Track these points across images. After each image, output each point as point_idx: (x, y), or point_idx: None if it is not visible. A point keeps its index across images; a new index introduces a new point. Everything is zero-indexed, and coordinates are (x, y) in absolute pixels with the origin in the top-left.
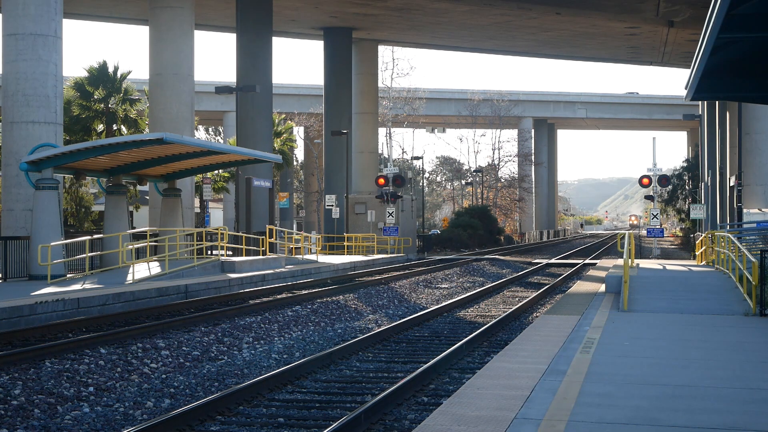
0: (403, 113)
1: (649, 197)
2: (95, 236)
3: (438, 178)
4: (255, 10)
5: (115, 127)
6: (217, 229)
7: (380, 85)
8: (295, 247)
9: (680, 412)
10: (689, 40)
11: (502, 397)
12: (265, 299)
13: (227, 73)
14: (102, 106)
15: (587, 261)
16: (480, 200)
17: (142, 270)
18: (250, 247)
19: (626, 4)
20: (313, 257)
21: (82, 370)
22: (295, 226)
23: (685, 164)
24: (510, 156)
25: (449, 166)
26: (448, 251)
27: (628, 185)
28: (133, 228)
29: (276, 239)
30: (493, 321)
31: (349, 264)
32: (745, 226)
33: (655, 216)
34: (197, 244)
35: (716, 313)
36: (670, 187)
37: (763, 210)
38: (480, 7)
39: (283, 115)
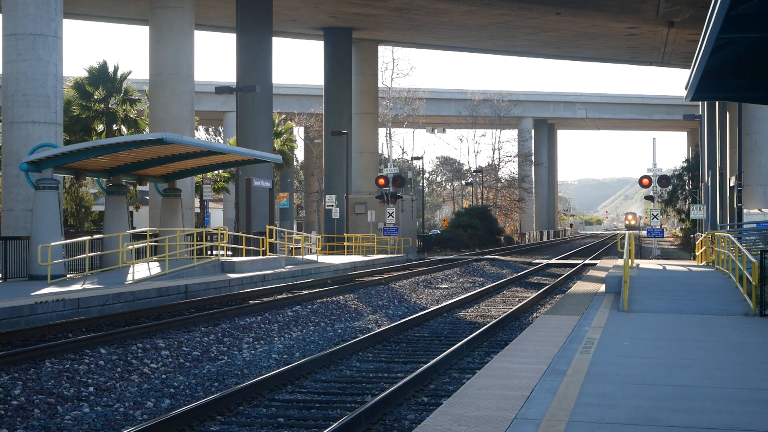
0: (403, 113)
1: (649, 197)
2: (95, 236)
3: (438, 179)
4: (255, 10)
5: (115, 127)
6: (217, 229)
7: (380, 85)
8: (295, 248)
9: (680, 412)
10: (689, 40)
11: (502, 398)
12: (265, 299)
13: (227, 73)
14: (102, 106)
15: (587, 261)
16: (480, 200)
17: (142, 270)
18: (250, 248)
19: (626, 4)
20: (313, 257)
21: (82, 370)
22: (295, 226)
23: (685, 164)
24: (510, 156)
25: (449, 166)
26: (448, 251)
27: (628, 185)
28: (133, 228)
29: (276, 239)
30: (493, 321)
31: (349, 264)
32: (745, 226)
33: (655, 216)
34: (197, 245)
35: (716, 314)
36: (670, 187)
37: (763, 210)
38: (480, 7)
39: (283, 115)
